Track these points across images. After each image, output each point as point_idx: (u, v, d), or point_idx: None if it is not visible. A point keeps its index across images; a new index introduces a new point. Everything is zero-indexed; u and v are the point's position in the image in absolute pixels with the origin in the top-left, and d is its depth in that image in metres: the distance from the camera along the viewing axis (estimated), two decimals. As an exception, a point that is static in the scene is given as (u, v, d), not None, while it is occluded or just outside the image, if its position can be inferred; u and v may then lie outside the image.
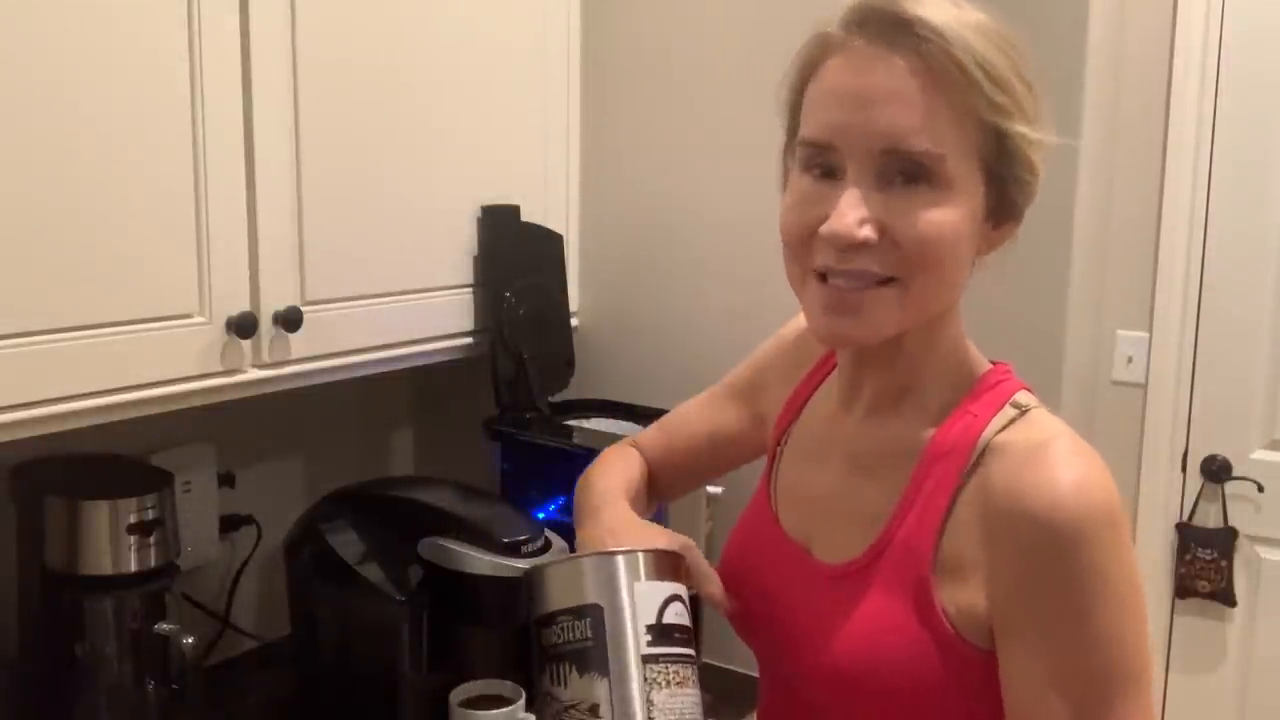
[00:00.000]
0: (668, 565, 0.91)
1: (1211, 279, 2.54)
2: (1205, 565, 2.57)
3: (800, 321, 1.07)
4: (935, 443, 0.88)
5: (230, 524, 1.68)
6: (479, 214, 1.59)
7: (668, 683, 0.86)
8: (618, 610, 0.87)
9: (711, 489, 1.61)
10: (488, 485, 1.65)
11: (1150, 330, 2.60)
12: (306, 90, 1.33)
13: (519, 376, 1.62)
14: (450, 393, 1.89)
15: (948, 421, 0.89)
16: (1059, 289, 2.62)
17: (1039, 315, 2.58)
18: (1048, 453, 0.83)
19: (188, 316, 1.24)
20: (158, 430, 1.47)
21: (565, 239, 1.74)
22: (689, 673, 0.88)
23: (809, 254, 0.85)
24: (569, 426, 1.65)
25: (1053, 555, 0.80)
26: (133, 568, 1.34)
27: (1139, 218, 2.58)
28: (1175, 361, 2.58)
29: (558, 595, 0.89)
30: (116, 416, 1.19)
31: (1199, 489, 2.59)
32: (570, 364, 1.73)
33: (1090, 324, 2.65)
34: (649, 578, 0.89)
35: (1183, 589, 2.61)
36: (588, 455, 1.54)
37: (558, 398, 1.73)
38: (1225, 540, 2.55)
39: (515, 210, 1.64)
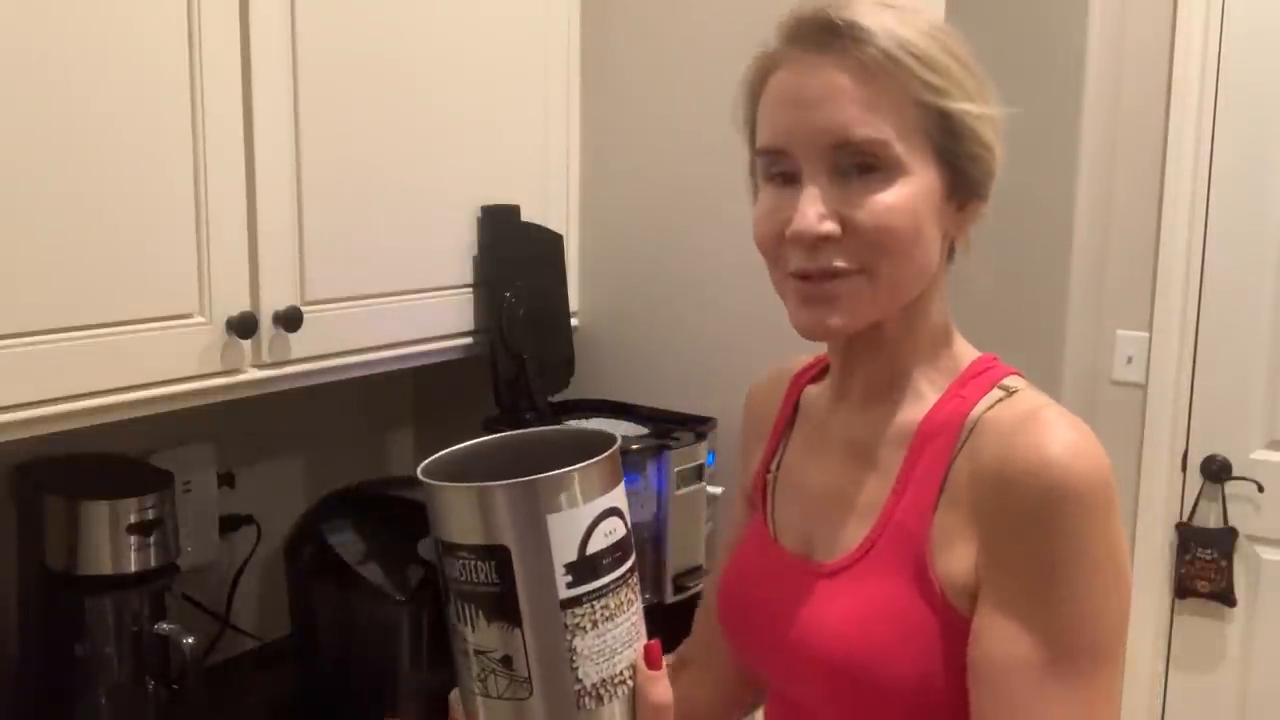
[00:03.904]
0: (597, 477, 0.77)
1: (1211, 279, 2.54)
2: (1205, 565, 2.57)
3: (753, 387, 1.12)
4: (926, 424, 0.90)
5: (230, 524, 1.68)
6: (479, 214, 1.59)
7: (593, 624, 0.76)
8: (530, 552, 0.74)
9: (711, 489, 1.61)
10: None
11: (1150, 330, 2.60)
12: (307, 90, 1.33)
13: (519, 376, 1.62)
14: (450, 393, 1.89)
15: (937, 404, 0.91)
16: (1059, 289, 2.62)
17: (1039, 315, 2.59)
18: (1037, 421, 0.84)
19: (188, 316, 1.24)
20: (158, 430, 1.47)
21: (565, 239, 1.74)
22: (622, 595, 0.78)
23: (784, 259, 0.88)
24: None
25: (1036, 516, 0.81)
26: (133, 568, 1.34)
27: (1139, 218, 2.58)
28: (1175, 361, 2.58)
29: (460, 527, 0.76)
30: (116, 416, 1.19)
31: (1199, 489, 2.60)
32: (570, 364, 1.73)
33: (1090, 324, 2.65)
34: (571, 504, 0.75)
35: (1183, 589, 2.61)
36: (588, 455, 1.55)
37: (558, 398, 1.73)
38: (1225, 540, 2.55)
39: (515, 210, 1.64)
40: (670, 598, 1.54)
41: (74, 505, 1.32)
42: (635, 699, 0.79)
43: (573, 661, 0.75)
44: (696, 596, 1.60)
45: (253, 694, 1.63)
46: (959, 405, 0.89)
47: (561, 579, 0.75)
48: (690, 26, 1.69)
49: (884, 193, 0.85)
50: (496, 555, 0.74)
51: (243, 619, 1.72)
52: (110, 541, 1.33)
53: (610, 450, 0.79)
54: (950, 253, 0.94)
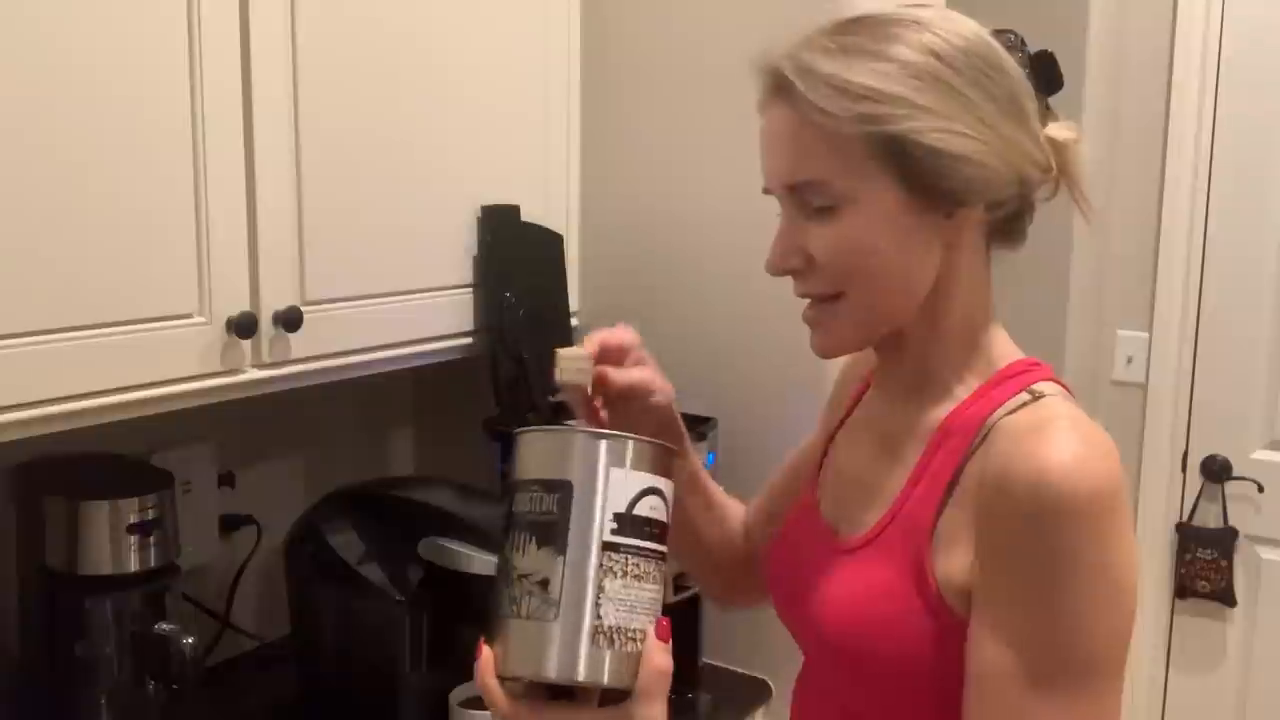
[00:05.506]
0: (655, 458, 0.88)
1: (1211, 279, 2.54)
2: (1205, 565, 2.57)
3: (844, 363, 1.17)
4: (948, 421, 0.92)
5: (230, 524, 1.68)
6: (479, 214, 1.59)
7: (624, 573, 0.85)
8: (587, 492, 0.85)
9: (711, 489, 1.61)
10: (488, 485, 1.65)
11: (1150, 330, 2.60)
12: (306, 90, 1.33)
13: (519, 376, 1.62)
14: (450, 393, 1.89)
15: (962, 404, 0.92)
16: (1059, 289, 2.62)
17: (1039, 315, 2.59)
18: (1045, 431, 0.84)
19: (188, 316, 1.24)
20: (158, 430, 1.47)
21: (565, 239, 1.74)
22: (652, 569, 0.87)
23: None
24: (569, 426, 1.65)
25: (1030, 528, 0.81)
26: (133, 568, 1.34)
27: (1139, 218, 2.58)
28: (1175, 361, 2.58)
29: (535, 464, 0.88)
30: (116, 416, 1.19)
31: (1199, 489, 2.60)
32: (570, 364, 1.73)
33: (1090, 324, 2.65)
34: (632, 467, 0.87)
35: (1183, 589, 2.61)
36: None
37: (558, 398, 1.73)
38: (1225, 540, 2.55)
39: (515, 210, 1.64)
40: (671, 597, 1.54)
41: (74, 505, 1.33)
42: (641, 659, 0.85)
43: (599, 598, 0.84)
44: (696, 597, 1.61)
45: (253, 694, 1.63)
46: (982, 406, 0.90)
47: (608, 524, 0.85)
48: (690, 26, 1.69)
49: (835, 225, 0.89)
50: (561, 489, 0.86)
51: (243, 619, 1.72)
52: (110, 541, 1.33)
53: (670, 445, 0.91)
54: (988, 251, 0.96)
